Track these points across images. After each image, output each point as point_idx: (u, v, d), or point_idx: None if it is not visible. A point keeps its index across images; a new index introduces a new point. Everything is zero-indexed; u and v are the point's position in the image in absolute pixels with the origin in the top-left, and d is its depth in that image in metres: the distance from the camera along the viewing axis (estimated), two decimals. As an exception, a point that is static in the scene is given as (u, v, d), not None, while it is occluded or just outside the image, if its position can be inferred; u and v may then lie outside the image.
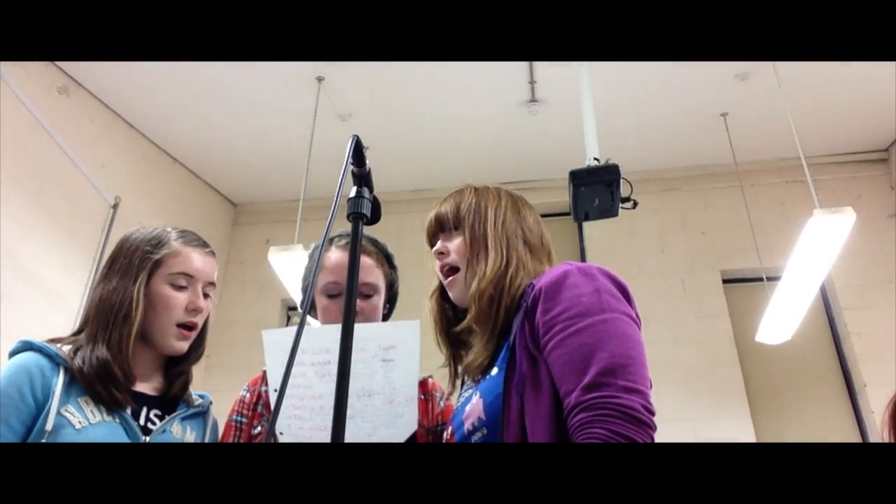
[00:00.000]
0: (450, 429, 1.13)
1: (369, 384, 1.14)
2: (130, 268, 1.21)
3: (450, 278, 1.17)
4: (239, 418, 1.31)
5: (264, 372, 1.33)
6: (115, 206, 3.37)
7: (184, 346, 1.23)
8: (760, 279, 3.79)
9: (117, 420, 1.12)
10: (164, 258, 1.22)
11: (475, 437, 1.03)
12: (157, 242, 1.24)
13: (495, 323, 1.06)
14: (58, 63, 3.47)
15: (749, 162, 4.20)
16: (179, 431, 1.22)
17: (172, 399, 1.24)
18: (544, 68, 3.59)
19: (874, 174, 4.23)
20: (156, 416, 1.20)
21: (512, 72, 3.62)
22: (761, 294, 3.58)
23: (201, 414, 1.30)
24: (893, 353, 3.60)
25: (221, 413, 1.34)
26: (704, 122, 3.97)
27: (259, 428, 1.29)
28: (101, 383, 1.11)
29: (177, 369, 1.26)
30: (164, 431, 1.18)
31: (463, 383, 1.20)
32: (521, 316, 1.02)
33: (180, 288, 1.22)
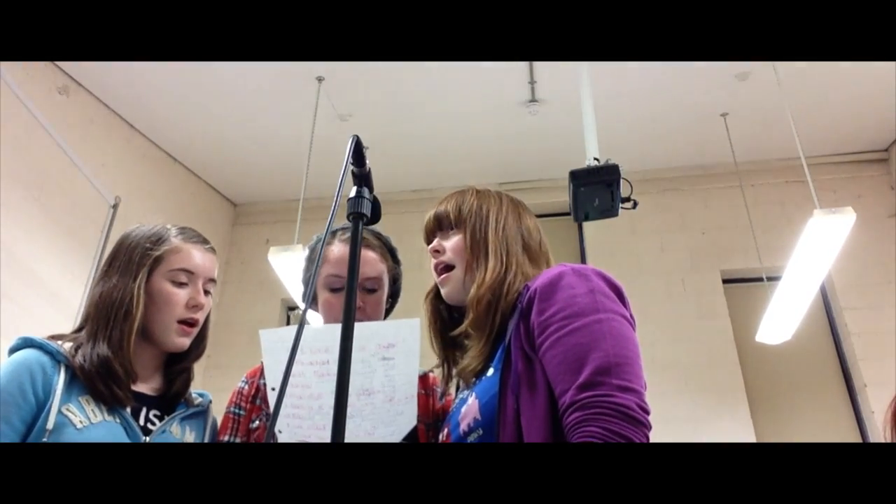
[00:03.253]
0: (445, 430, 1.13)
1: (369, 383, 1.14)
2: (131, 265, 1.20)
3: (444, 276, 1.17)
4: (237, 410, 1.30)
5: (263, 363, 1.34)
6: (115, 206, 3.37)
7: (185, 342, 1.23)
8: (760, 279, 3.79)
9: (118, 420, 1.12)
10: (165, 255, 1.22)
11: (471, 438, 1.03)
12: (158, 239, 1.23)
13: (491, 328, 1.07)
14: (58, 63, 3.47)
15: (749, 162, 4.20)
16: (179, 431, 1.22)
17: (172, 398, 1.24)
18: (544, 68, 3.59)
19: (874, 174, 4.23)
20: (155, 416, 1.20)
21: (512, 72, 3.62)
22: (761, 294, 3.58)
23: (201, 413, 1.30)
24: (893, 353, 3.60)
25: (221, 413, 1.33)
26: (704, 122, 3.97)
27: (257, 422, 1.28)
28: (101, 381, 1.11)
29: (178, 367, 1.26)
30: (163, 432, 1.18)
31: (457, 387, 1.20)
32: (517, 317, 1.02)
33: (181, 284, 1.22)
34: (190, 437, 1.24)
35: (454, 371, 1.18)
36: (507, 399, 0.96)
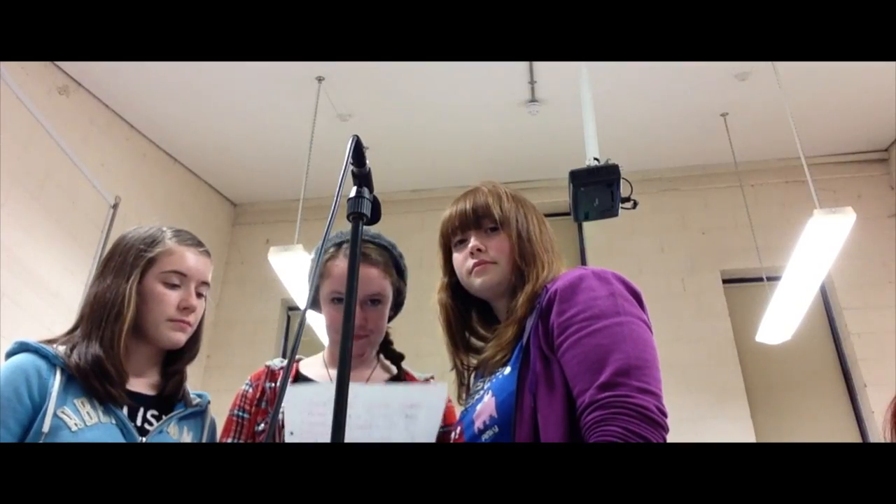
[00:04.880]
0: (458, 428, 1.13)
1: (388, 435, 1.14)
2: (124, 266, 1.21)
3: (483, 265, 1.15)
4: (241, 413, 1.30)
5: (267, 367, 1.35)
6: (115, 206, 3.37)
7: (181, 337, 1.23)
8: (760, 279, 3.79)
9: (113, 421, 1.12)
10: (158, 256, 1.22)
11: (486, 436, 1.03)
12: (152, 241, 1.24)
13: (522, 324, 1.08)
14: (58, 63, 3.47)
15: (749, 162, 4.20)
16: (176, 432, 1.22)
17: (169, 398, 1.24)
18: (544, 68, 3.59)
19: (874, 174, 4.23)
20: (153, 416, 1.20)
21: (512, 71, 3.61)
22: (761, 294, 3.58)
23: (199, 413, 1.30)
24: (893, 353, 3.60)
25: (221, 413, 1.33)
26: (704, 122, 3.97)
27: (262, 425, 1.28)
28: (96, 379, 1.12)
29: (171, 368, 1.26)
30: (160, 432, 1.18)
31: (469, 389, 1.20)
32: (535, 317, 1.03)
33: (173, 286, 1.22)
34: (187, 437, 1.24)
35: (471, 367, 1.18)
36: (525, 398, 0.97)
